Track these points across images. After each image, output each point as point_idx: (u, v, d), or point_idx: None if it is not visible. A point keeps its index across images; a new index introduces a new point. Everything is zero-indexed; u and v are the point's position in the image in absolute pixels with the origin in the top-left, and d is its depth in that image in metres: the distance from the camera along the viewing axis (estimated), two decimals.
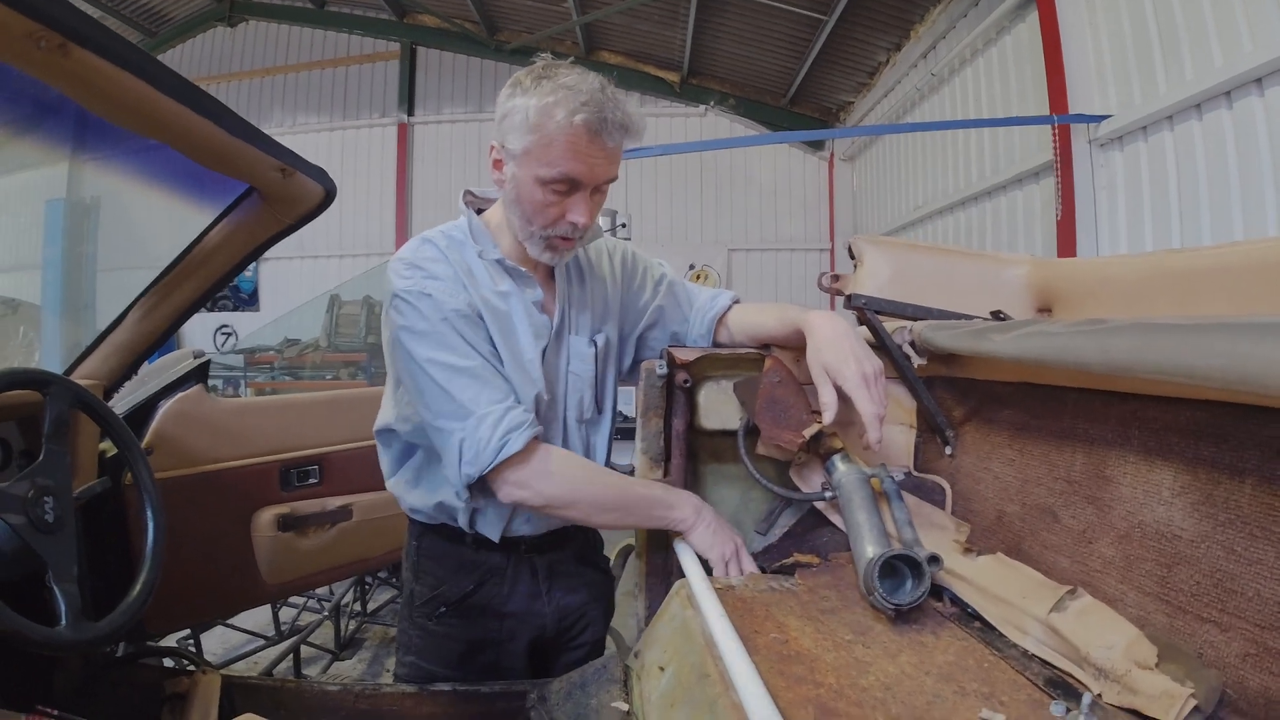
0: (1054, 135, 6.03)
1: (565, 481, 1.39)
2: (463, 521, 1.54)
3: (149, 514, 1.66)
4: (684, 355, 1.48)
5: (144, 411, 2.26)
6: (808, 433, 1.40)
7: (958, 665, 1.03)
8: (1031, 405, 1.28)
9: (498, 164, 1.40)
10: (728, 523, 1.46)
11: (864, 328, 1.54)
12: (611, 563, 2.18)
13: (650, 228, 10.89)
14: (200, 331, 11.89)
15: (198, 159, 1.38)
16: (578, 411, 1.57)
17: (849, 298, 1.39)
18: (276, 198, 1.54)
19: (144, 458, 1.69)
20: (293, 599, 4.59)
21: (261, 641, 4.20)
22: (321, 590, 4.75)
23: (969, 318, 1.43)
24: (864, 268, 1.56)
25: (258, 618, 4.32)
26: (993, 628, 1.12)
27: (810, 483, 1.47)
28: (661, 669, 1.18)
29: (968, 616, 1.16)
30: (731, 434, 1.52)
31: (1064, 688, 0.98)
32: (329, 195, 1.54)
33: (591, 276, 1.60)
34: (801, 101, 11.02)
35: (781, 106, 11.11)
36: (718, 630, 1.04)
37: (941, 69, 8.12)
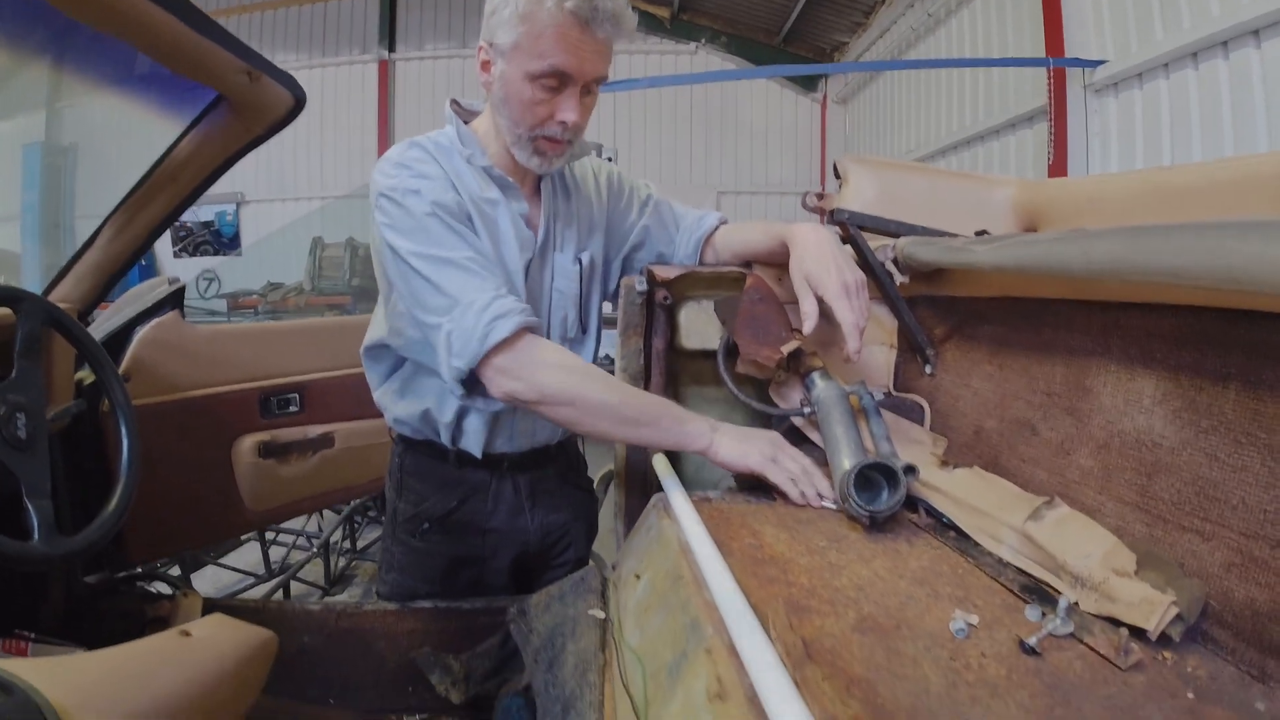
0: (1049, 79, 5.97)
1: (563, 374, 1.30)
2: (445, 437, 1.54)
3: (123, 430, 1.65)
4: (664, 273, 1.46)
5: (120, 338, 2.24)
6: (786, 349, 1.38)
7: (931, 570, 1.03)
8: (1013, 319, 1.27)
9: (485, 65, 1.36)
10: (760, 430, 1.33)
11: (847, 246, 1.52)
12: (594, 487, 2.19)
13: (638, 168, 10.75)
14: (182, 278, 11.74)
15: (164, 61, 1.33)
16: (562, 330, 1.56)
17: (832, 213, 1.37)
18: (245, 105, 1.50)
19: (116, 373, 1.67)
20: (282, 537, 4.63)
21: (252, 579, 4.23)
22: (311, 527, 4.78)
23: (953, 236, 1.41)
24: (849, 187, 1.53)
25: (248, 556, 4.35)
26: (968, 537, 1.13)
27: (790, 400, 1.46)
28: (638, 577, 1.18)
29: (943, 527, 1.17)
30: (712, 355, 1.51)
31: (1039, 593, 0.98)
32: (298, 102, 1.49)
33: (577, 194, 1.57)
34: (795, 41, 10.82)
35: (775, 45, 10.91)
36: (693, 536, 1.04)
37: (938, 9, 7.99)
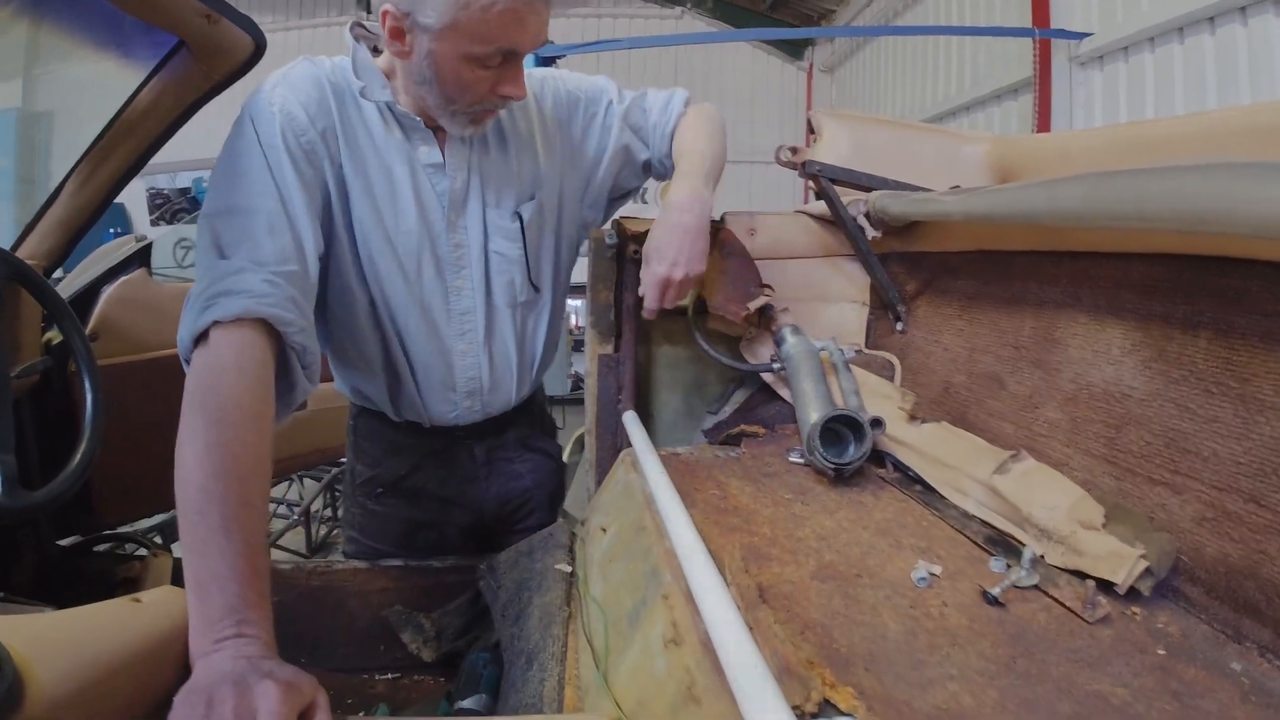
0: (1034, 50, 5.92)
1: (203, 403, 0.95)
2: (383, 408, 1.48)
3: (87, 387, 1.61)
4: (636, 226, 1.44)
5: (87, 297, 2.19)
6: (753, 305, 1.37)
7: (895, 522, 1.03)
8: (983, 273, 1.26)
9: (397, 34, 1.15)
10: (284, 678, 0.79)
11: (817, 202, 1.50)
12: (568, 450, 2.17)
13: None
14: (160, 248, 11.55)
15: (119, 3, 1.28)
16: (508, 294, 1.40)
17: (804, 165, 1.35)
18: (204, 50, 1.44)
19: (80, 329, 1.63)
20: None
21: None
22: (292, 495, 4.76)
23: (926, 191, 1.40)
24: (823, 141, 1.51)
25: None
26: (934, 491, 1.12)
27: (759, 356, 1.45)
28: (604, 530, 1.17)
29: (909, 481, 1.17)
30: (684, 312, 1.49)
31: (1004, 546, 0.98)
32: (259, 47, 1.44)
33: (514, 141, 1.38)
34: (782, 8, 10.69)
35: (761, 12, 10.77)
36: (657, 488, 1.04)
37: None
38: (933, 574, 0.89)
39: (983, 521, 1.04)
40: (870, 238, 1.36)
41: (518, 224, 1.37)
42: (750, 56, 10.95)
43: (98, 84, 1.79)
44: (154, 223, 11.40)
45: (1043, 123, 5.94)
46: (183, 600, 1.06)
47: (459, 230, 1.34)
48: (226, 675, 0.79)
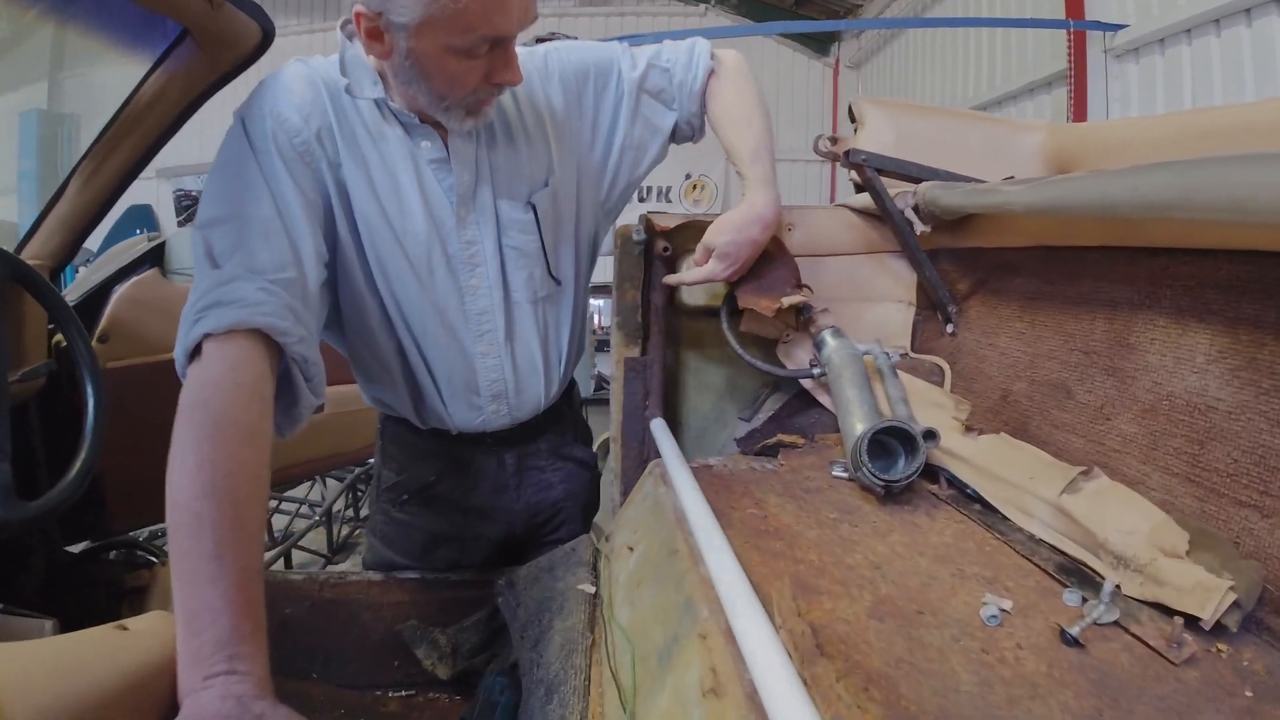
0: (1069, 43, 5.79)
1: (197, 419, 0.89)
2: (407, 416, 1.40)
3: (89, 392, 1.55)
4: (664, 221, 1.35)
5: (98, 298, 2.13)
6: (787, 301, 1.27)
7: (955, 547, 0.93)
8: (1047, 271, 1.15)
9: (375, 35, 1.05)
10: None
11: (860, 194, 1.40)
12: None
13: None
14: (184, 249, 11.61)
15: None
16: (528, 290, 1.32)
17: (847, 154, 1.25)
18: (209, 38, 1.37)
19: (82, 330, 1.57)
20: (285, 505, 4.58)
21: None
22: (314, 495, 4.72)
23: (979, 182, 1.29)
24: (865, 130, 1.40)
25: None
26: (995, 511, 1.02)
27: (797, 361, 1.35)
28: (631, 549, 1.08)
29: (966, 499, 1.06)
30: (715, 313, 1.40)
31: (1078, 575, 0.88)
32: (267, 35, 1.37)
33: (522, 128, 1.29)
34: (807, 4, 10.54)
35: (787, 8, 10.63)
36: (689, 505, 0.94)
37: None
38: (1003, 610, 0.79)
39: (1052, 547, 0.94)
40: (918, 233, 1.26)
41: (532, 214, 1.28)
42: (776, 54, 10.81)
43: (114, 82, 1.73)
44: (181, 224, 11.48)
45: (1078, 117, 5.79)
46: (173, 627, 0.98)
47: (470, 226, 1.25)
48: (213, 717, 0.74)
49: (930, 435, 1.04)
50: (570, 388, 1.56)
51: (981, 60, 7.41)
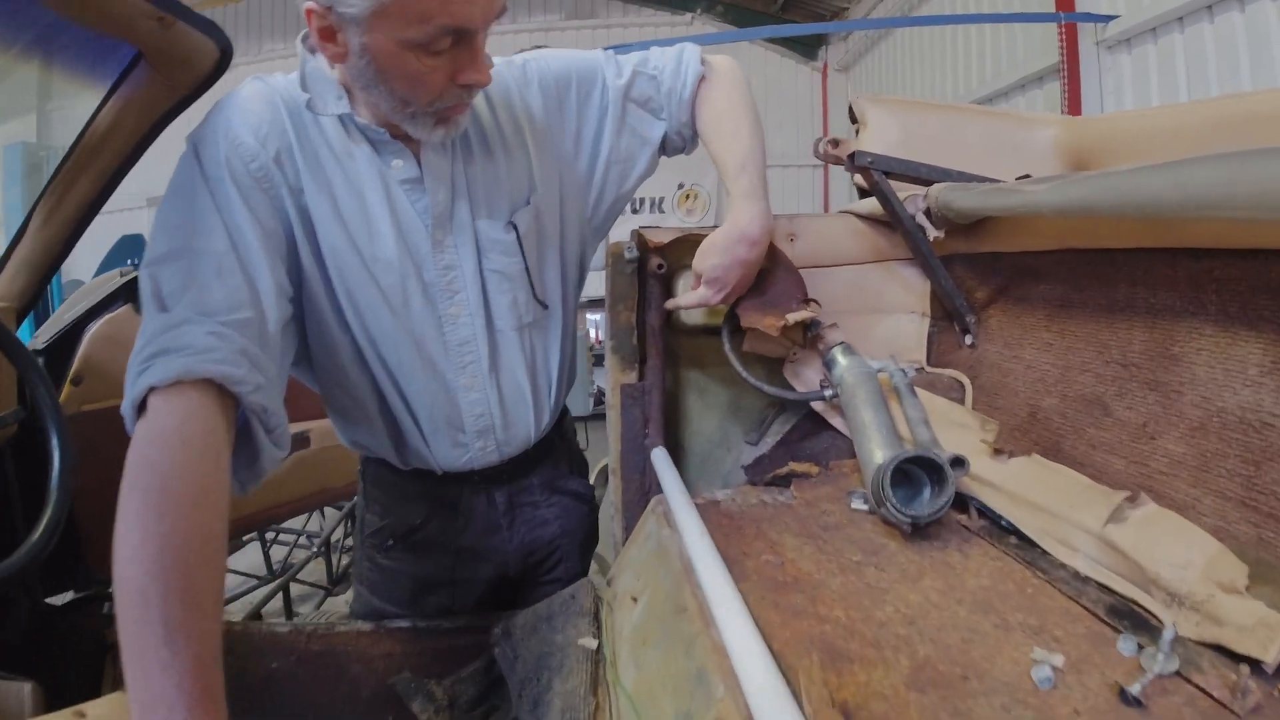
0: (1060, 36, 5.74)
1: (144, 483, 0.79)
2: (388, 457, 1.31)
3: (54, 442, 1.45)
4: (658, 237, 1.26)
5: (71, 337, 2.04)
6: (793, 317, 1.18)
7: (995, 591, 0.83)
8: (1075, 276, 1.06)
9: (327, 34, 0.97)
10: None
11: (865, 199, 1.31)
12: (593, 484, 1.98)
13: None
14: None
15: (61, 8, 1.13)
16: (512, 317, 1.22)
17: (852, 157, 1.16)
18: (163, 59, 1.29)
19: (43, 375, 1.48)
20: (284, 536, 4.48)
21: (254, 581, 4.08)
22: (313, 526, 4.62)
23: (994, 182, 1.20)
24: (867, 131, 1.31)
25: (251, 558, 4.21)
26: (1033, 544, 0.92)
27: (807, 382, 1.26)
28: (634, 599, 0.99)
29: (1000, 531, 0.96)
30: (715, 331, 1.31)
31: (1131, 618, 0.78)
32: (224, 54, 1.28)
33: (500, 142, 1.20)
34: (794, 9, 10.50)
35: (773, 15, 10.59)
36: (697, 552, 0.84)
37: None
38: (1055, 668, 0.69)
39: (1100, 584, 0.84)
40: (931, 238, 1.17)
41: (513, 235, 1.19)
42: (763, 59, 10.77)
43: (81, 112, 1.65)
44: None
45: (1072, 110, 5.74)
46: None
47: (448, 250, 1.16)
48: None
49: (959, 463, 0.94)
50: (562, 417, 1.47)
51: (971, 57, 7.35)
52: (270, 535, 4.26)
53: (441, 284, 1.16)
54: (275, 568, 4.19)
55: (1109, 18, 5.39)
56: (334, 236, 1.10)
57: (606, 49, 1.33)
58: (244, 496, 1.00)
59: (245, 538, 3.65)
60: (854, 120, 1.38)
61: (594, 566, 1.60)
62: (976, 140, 1.34)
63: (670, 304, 1.28)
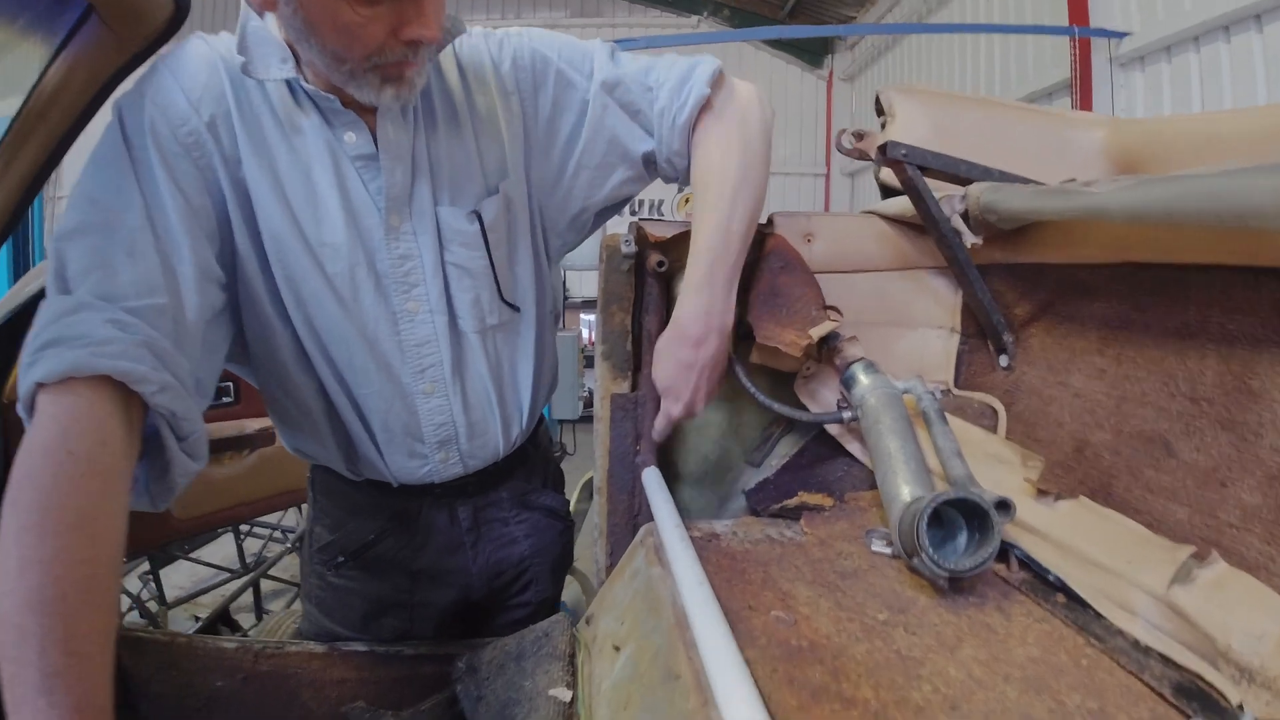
0: (1072, 50, 5.66)
1: (20, 481, 0.68)
2: (337, 467, 1.17)
3: None
4: (658, 231, 1.12)
5: (18, 323, 1.89)
6: (816, 333, 1.04)
7: (1046, 664, 0.69)
8: (1136, 294, 0.92)
9: None
10: None
11: (891, 199, 1.17)
12: (574, 500, 1.84)
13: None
14: None
15: None
16: (476, 319, 1.09)
17: (883, 149, 1.02)
18: (113, 12, 1.15)
19: None
20: (259, 529, 4.33)
21: (226, 575, 3.95)
22: (289, 521, 4.47)
23: (1039, 185, 1.07)
24: (895, 125, 1.18)
25: (227, 550, 4.08)
26: (1084, 603, 0.79)
27: (822, 401, 1.12)
28: (616, 648, 0.84)
29: (1045, 585, 0.83)
30: None
31: (1200, 699, 0.65)
32: (180, 8, 1.15)
33: (471, 118, 1.06)
34: (801, 14, 10.38)
35: (779, 20, 10.48)
36: (693, 603, 0.70)
37: None
38: None
39: (1164, 657, 0.71)
40: (968, 245, 1.03)
41: (476, 225, 1.05)
42: (769, 66, 10.66)
43: None
44: None
45: None
46: None
47: (405, 238, 1.02)
48: None
49: (1004, 507, 0.81)
50: (538, 426, 1.33)
51: (980, 71, 7.25)
52: (245, 528, 4.12)
53: (396, 275, 1.03)
54: (250, 561, 4.05)
55: (1122, 34, 5.31)
56: (274, 216, 0.96)
57: (612, 42, 1.18)
58: (161, 511, 0.87)
59: (220, 530, 3.51)
60: (880, 113, 1.25)
61: (559, 616, 1.42)
62: (1017, 139, 1.21)
63: (656, 435, 1.13)
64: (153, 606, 3.51)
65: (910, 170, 0.99)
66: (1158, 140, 1.15)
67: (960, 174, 1.02)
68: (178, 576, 4.28)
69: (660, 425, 1.10)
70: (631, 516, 1.19)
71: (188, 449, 0.83)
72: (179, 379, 0.80)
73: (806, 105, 10.79)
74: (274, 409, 1.15)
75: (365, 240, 1.00)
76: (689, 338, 1.01)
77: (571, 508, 1.72)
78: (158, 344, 0.79)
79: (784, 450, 1.23)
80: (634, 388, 1.17)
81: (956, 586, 0.79)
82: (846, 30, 7.94)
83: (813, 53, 10.69)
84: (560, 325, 3.92)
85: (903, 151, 0.99)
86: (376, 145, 0.99)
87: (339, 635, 1.30)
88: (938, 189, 1.08)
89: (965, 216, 1.03)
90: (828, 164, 10.62)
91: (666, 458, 1.29)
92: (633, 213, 9.96)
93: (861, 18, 9.76)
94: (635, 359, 1.16)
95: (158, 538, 2.22)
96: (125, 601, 3.35)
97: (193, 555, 3.94)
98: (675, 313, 1.03)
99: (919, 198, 1.01)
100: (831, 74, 10.62)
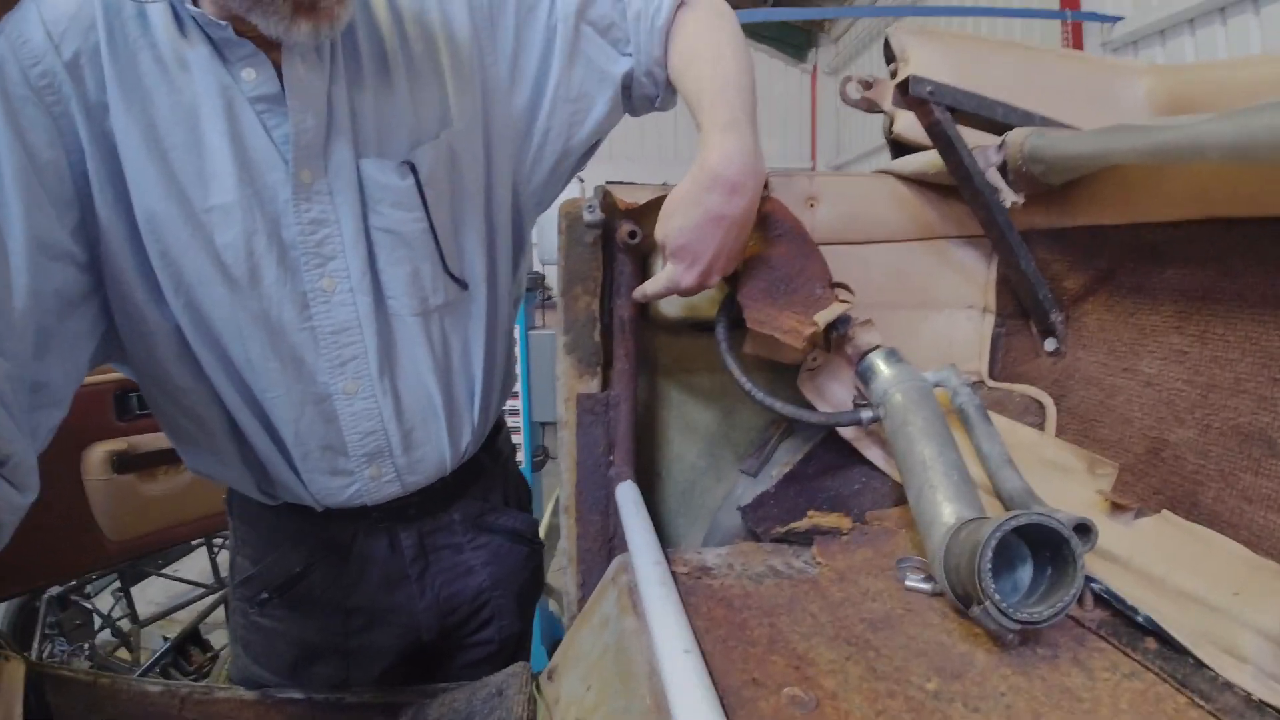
0: (1064, 35, 5.56)
1: None
2: (247, 490, 0.99)
3: None
4: (630, 196, 0.92)
5: None
6: (824, 317, 0.85)
7: None
8: (1225, 257, 0.74)
9: None
10: None
11: (908, 157, 0.99)
12: (546, 514, 1.65)
13: (618, 144, 10.02)
14: None
15: None
16: (415, 298, 0.91)
17: (903, 87, 0.83)
18: None
19: None
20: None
21: (201, 590, 3.78)
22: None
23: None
24: (909, 69, 0.99)
25: (199, 564, 3.83)
26: (1181, 650, 0.60)
27: (833, 398, 0.93)
28: None
29: (1132, 629, 0.64)
30: (707, 326, 0.98)
31: None
32: None
33: (405, 64, 0.89)
34: (784, 5, 10.26)
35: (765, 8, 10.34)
36: (678, 681, 0.51)
37: None
38: None
39: None
40: (1008, 205, 0.84)
41: (411, 179, 0.85)
42: (753, 60, 10.51)
43: None
44: None
45: None
46: None
47: (317, 198, 0.83)
48: None
49: (1083, 531, 0.62)
50: (496, 431, 1.13)
51: None
52: (218, 542, 3.95)
53: (307, 245, 0.83)
54: (224, 575, 3.88)
55: (1115, 18, 5.23)
56: (147, 175, 0.77)
57: None
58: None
59: (194, 542, 3.34)
60: (890, 60, 1.06)
61: (518, 666, 1.19)
62: (1053, 87, 1.01)
63: (636, 293, 0.92)
64: (125, 625, 3.32)
65: (938, 111, 0.80)
66: (1207, 87, 0.97)
67: (997, 118, 0.84)
68: (151, 591, 4.10)
69: (657, 286, 0.87)
70: (606, 540, 1.00)
71: (8, 475, 0.64)
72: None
73: (791, 100, 10.64)
74: (163, 421, 0.95)
75: (266, 202, 0.81)
76: (723, 182, 0.82)
77: (545, 524, 1.52)
78: None
79: (785, 457, 1.04)
80: (605, 386, 0.97)
81: (1022, 635, 0.61)
82: (836, 13, 7.71)
83: (796, 46, 10.54)
84: (541, 324, 3.72)
85: (929, 89, 0.80)
86: (283, 86, 0.79)
87: (267, 683, 1.11)
88: (972, 137, 0.90)
89: (1003, 170, 0.84)
90: (813, 158, 10.46)
91: (644, 465, 1.10)
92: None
93: (845, 6, 9.63)
94: (605, 352, 0.97)
95: (86, 564, 2.00)
96: (97, 621, 3.18)
97: (166, 570, 3.76)
98: (701, 157, 0.84)
99: (948, 146, 0.82)
100: (816, 67, 10.47)
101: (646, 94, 1.02)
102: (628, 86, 1.01)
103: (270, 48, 0.78)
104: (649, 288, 0.88)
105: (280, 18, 0.72)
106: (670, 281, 0.85)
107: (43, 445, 0.74)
